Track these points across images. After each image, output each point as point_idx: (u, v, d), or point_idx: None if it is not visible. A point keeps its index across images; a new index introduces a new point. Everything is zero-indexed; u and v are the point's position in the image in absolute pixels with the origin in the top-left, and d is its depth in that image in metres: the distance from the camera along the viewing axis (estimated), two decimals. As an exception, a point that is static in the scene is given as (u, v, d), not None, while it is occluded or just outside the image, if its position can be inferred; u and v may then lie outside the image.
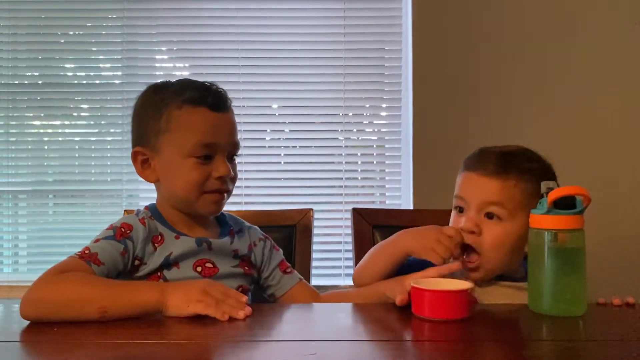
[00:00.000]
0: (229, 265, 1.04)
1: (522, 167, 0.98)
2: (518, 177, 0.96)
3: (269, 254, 1.12)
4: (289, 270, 1.11)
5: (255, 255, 1.10)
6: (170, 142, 1.00)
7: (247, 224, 1.15)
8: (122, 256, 0.97)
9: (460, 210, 1.01)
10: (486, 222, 0.96)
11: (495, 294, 0.99)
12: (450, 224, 1.03)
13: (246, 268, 1.06)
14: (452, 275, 0.94)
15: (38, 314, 0.82)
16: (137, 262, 1.00)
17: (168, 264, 1.00)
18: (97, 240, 0.96)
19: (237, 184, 1.09)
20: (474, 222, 0.96)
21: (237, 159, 1.10)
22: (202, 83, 1.05)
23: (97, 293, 0.83)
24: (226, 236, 1.07)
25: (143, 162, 1.03)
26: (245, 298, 0.85)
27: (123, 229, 0.99)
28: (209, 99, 1.01)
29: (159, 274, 1.00)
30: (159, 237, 1.02)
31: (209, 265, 1.02)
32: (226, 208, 1.10)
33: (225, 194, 1.03)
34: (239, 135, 1.08)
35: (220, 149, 1.01)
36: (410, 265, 1.03)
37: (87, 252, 0.93)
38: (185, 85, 1.03)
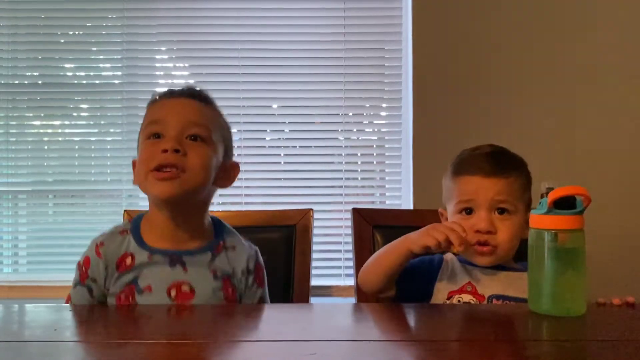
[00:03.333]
0: (209, 287, 0.96)
1: (514, 164, 1.08)
2: (514, 173, 1.06)
3: (248, 290, 1.03)
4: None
5: (237, 279, 1.01)
6: (140, 140, 1.02)
7: (245, 241, 1.06)
8: (92, 297, 0.98)
9: (469, 211, 1.05)
10: (499, 218, 1.04)
11: (498, 280, 1.06)
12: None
13: (230, 290, 0.98)
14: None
15: None
16: (106, 291, 0.98)
17: (139, 288, 0.95)
18: (74, 285, 1.00)
19: (237, 184, 1.08)
20: (489, 222, 1.03)
21: (237, 159, 1.08)
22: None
23: None
24: (207, 251, 0.99)
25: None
26: None
27: (84, 269, 0.99)
28: (166, 91, 1.03)
29: (130, 299, 0.95)
30: (130, 258, 0.97)
31: (185, 289, 0.95)
32: (227, 208, 1.10)
33: (180, 172, 0.93)
34: (239, 136, 1.08)
35: (170, 125, 0.96)
36: (407, 272, 1.05)
37: (68, 298, 1.00)
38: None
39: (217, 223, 1.06)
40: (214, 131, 1.00)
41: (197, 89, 1.05)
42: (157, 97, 1.04)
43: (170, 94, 1.02)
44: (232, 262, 1.01)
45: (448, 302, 1.04)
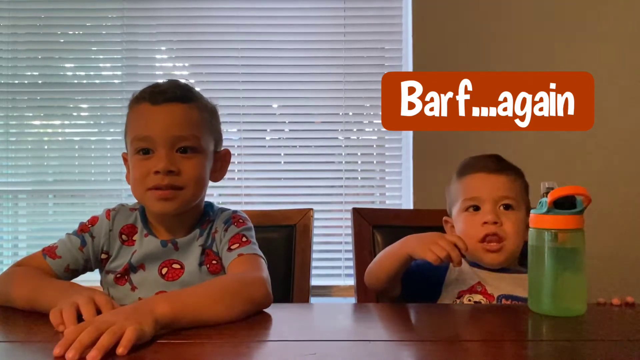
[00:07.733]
0: (195, 263, 0.99)
1: (513, 166, 1.15)
2: (514, 173, 1.12)
3: (224, 235, 1.01)
4: (233, 246, 0.98)
5: (216, 242, 1.01)
6: (127, 143, 1.01)
7: (226, 210, 1.07)
8: (80, 251, 1.00)
9: (475, 208, 1.10)
10: (504, 212, 1.08)
11: (506, 281, 1.07)
12: (466, 224, 1.10)
13: (213, 262, 1.00)
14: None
15: None
16: (104, 256, 1.02)
17: (133, 266, 0.99)
18: (67, 234, 1.02)
19: (237, 184, 1.08)
20: (495, 214, 1.07)
21: (237, 159, 1.08)
22: (165, 81, 1.01)
23: (21, 292, 0.88)
24: (195, 229, 1.02)
25: (128, 167, 1.03)
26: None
27: (86, 223, 1.03)
28: (149, 93, 0.97)
29: (126, 277, 1.00)
30: (134, 230, 1.02)
31: (175, 266, 0.99)
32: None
33: (177, 191, 0.95)
34: (239, 136, 1.07)
35: (158, 142, 0.94)
36: (414, 272, 1.06)
37: (52, 244, 1.00)
38: (147, 86, 1.01)
39: (207, 205, 1.08)
40: (203, 135, 0.99)
41: (179, 84, 1.01)
42: (139, 98, 0.99)
43: (153, 100, 0.96)
44: (210, 231, 1.03)
45: (458, 301, 1.05)
